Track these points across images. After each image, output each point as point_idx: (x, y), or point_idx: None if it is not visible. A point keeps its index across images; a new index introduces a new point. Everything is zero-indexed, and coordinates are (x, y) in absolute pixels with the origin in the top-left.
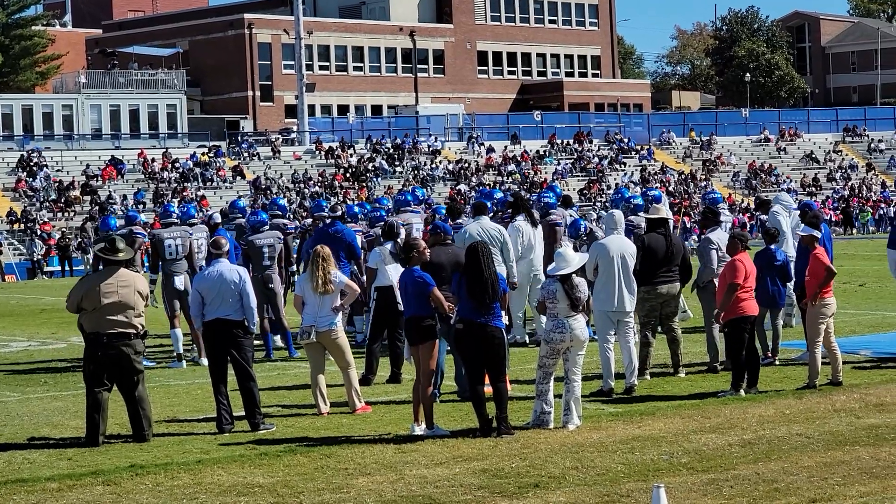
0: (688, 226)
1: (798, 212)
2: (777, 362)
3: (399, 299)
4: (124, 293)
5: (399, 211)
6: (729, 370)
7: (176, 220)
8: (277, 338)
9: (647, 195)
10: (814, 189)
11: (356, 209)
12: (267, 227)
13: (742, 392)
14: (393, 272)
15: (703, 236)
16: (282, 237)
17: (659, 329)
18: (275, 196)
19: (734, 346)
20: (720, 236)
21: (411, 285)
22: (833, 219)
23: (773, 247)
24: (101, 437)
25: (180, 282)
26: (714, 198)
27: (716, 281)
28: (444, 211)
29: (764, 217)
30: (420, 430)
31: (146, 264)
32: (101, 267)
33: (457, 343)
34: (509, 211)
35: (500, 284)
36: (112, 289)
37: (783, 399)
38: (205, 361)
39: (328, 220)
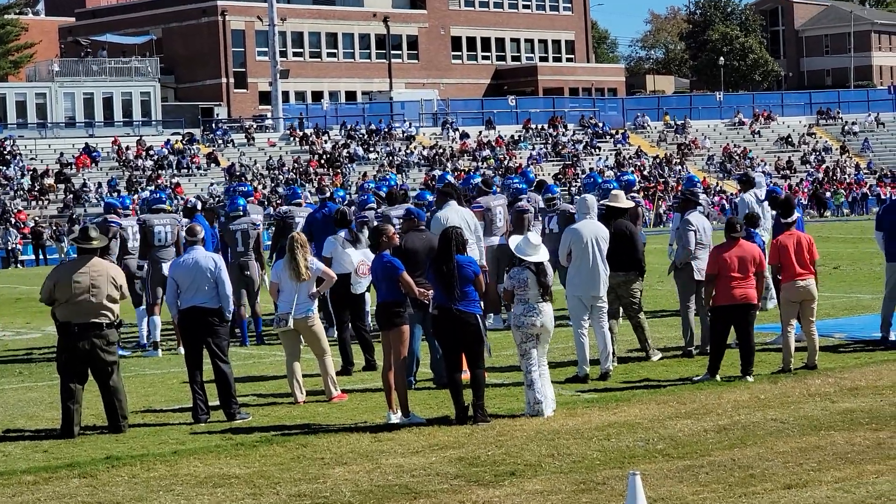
0: (661, 210)
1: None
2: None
3: (353, 283)
4: (97, 282)
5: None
6: (704, 355)
7: (165, 207)
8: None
9: (621, 180)
10: (788, 172)
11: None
12: (241, 212)
13: (718, 377)
14: (349, 259)
15: (682, 218)
16: (258, 223)
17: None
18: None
19: (713, 333)
20: (698, 219)
21: (381, 270)
22: (803, 200)
23: (753, 230)
24: (77, 429)
25: (168, 269)
26: (690, 179)
27: (693, 263)
28: (426, 196)
29: (745, 197)
30: (396, 418)
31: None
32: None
33: (433, 330)
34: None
35: (468, 269)
36: (85, 278)
37: (758, 384)
38: (182, 350)
39: (318, 202)
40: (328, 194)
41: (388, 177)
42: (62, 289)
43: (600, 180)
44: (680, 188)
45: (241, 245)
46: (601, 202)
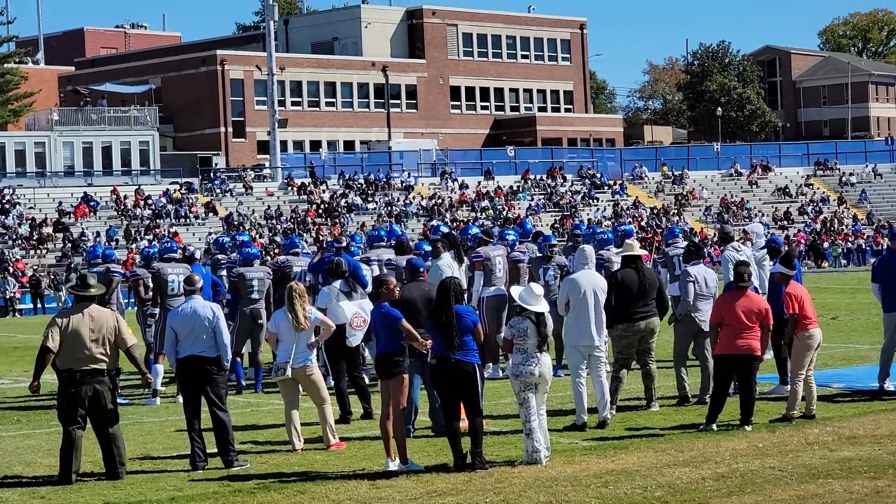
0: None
1: (765, 249)
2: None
3: (348, 336)
4: (97, 329)
5: (372, 247)
6: (702, 404)
7: (177, 256)
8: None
9: (618, 230)
10: (785, 223)
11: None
12: (257, 261)
13: (714, 427)
14: (344, 310)
15: (682, 269)
16: (271, 273)
17: (634, 364)
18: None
19: (715, 381)
20: (699, 270)
21: (380, 320)
22: (802, 249)
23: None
24: (75, 475)
25: None
26: (672, 231)
27: (694, 315)
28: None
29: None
30: (394, 465)
31: (129, 300)
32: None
33: (432, 379)
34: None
35: (467, 318)
36: (84, 325)
37: (756, 432)
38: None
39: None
40: (344, 244)
41: (392, 226)
42: (63, 335)
43: (598, 230)
44: (659, 239)
45: (256, 293)
46: (617, 252)
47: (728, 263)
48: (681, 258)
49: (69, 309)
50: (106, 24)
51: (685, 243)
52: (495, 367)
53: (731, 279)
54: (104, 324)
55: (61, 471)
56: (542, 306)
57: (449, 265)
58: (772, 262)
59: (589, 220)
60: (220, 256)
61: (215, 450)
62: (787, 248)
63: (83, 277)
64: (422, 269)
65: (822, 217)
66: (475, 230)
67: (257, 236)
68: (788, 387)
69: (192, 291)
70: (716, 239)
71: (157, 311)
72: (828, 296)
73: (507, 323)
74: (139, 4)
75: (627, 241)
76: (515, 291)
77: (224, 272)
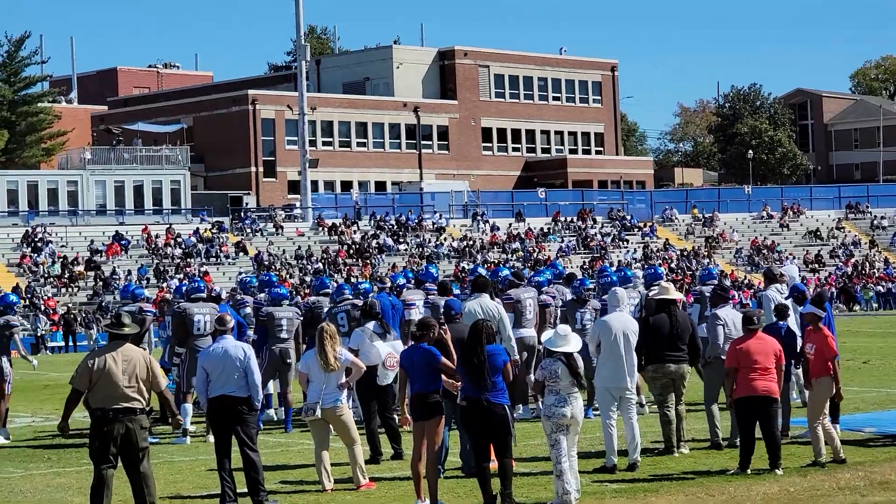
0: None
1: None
2: (786, 439)
3: (379, 376)
4: (129, 369)
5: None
6: (733, 447)
7: (203, 296)
8: (271, 411)
9: (645, 273)
10: (816, 266)
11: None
12: (287, 301)
13: (749, 472)
14: (376, 351)
15: (711, 312)
16: (300, 313)
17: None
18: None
19: (739, 426)
20: (728, 313)
21: (418, 359)
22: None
23: (780, 322)
24: None
25: None
26: (708, 270)
27: (724, 357)
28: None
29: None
30: None
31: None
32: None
33: (461, 420)
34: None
35: (498, 359)
36: (117, 364)
37: (788, 477)
38: (212, 438)
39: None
40: (388, 285)
41: (427, 267)
42: (95, 374)
43: (615, 274)
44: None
45: (285, 332)
46: (653, 295)
47: (770, 303)
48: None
49: (102, 348)
50: (139, 64)
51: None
52: (525, 409)
53: (773, 319)
54: (137, 363)
55: None
56: (572, 346)
57: (480, 307)
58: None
59: (619, 261)
60: (244, 297)
61: (245, 490)
62: (819, 289)
63: (118, 316)
64: (456, 312)
65: (853, 260)
66: (505, 272)
67: (287, 276)
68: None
69: (223, 331)
70: (746, 281)
71: (182, 350)
72: (859, 339)
73: (536, 365)
74: (172, 44)
75: (663, 283)
76: (545, 336)
77: (249, 311)
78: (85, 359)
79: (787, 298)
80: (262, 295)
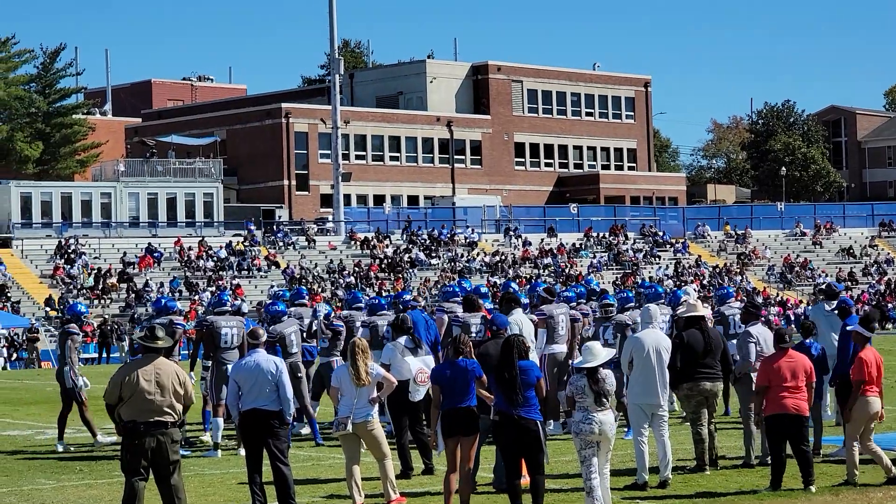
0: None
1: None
2: (818, 458)
3: (411, 391)
4: (163, 381)
5: (448, 301)
6: (764, 465)
7: (229, 309)
8: (305, 430)
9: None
10: (849, 283)
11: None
12: (287, 316)
13: (780, 490)
14: (408, 366)
15: (743, 330)
16: (303, 326)
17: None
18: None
19: (770, 444)
20: (759, 330)
21: (460, 374)
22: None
23: (808, 340)
24: None
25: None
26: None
27: (753, 375)
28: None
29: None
30: None
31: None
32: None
33: (494, 435)
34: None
35: (531, 374)
36: (150, 377)
37: (820, 495)
38: (242, 451)
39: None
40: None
41: (462, 282)
42: (128, 387)
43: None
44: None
45: (295, 347)
46: (678, 313)
47: (816, 316)
48: (737, 318)
49: (135, 361)
50: (173, 77)
51: (738, 303)
52: (556, 424)
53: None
54: (170, 377)
55: None
56: (598, 359)
57: (517, 322)
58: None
59: (650, 277)
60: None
61: (276, 503)
62: (868, 310)
63: (152, 329)
64: (502, 328)
65: (886, 278)
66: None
67: (319, 290)
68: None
69: (255, 345)
70: (778, 298)
71: (209, 363)
72: (893, 358)
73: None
74: (206, 57)
75: (690, 301)
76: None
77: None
78: (116, 372)
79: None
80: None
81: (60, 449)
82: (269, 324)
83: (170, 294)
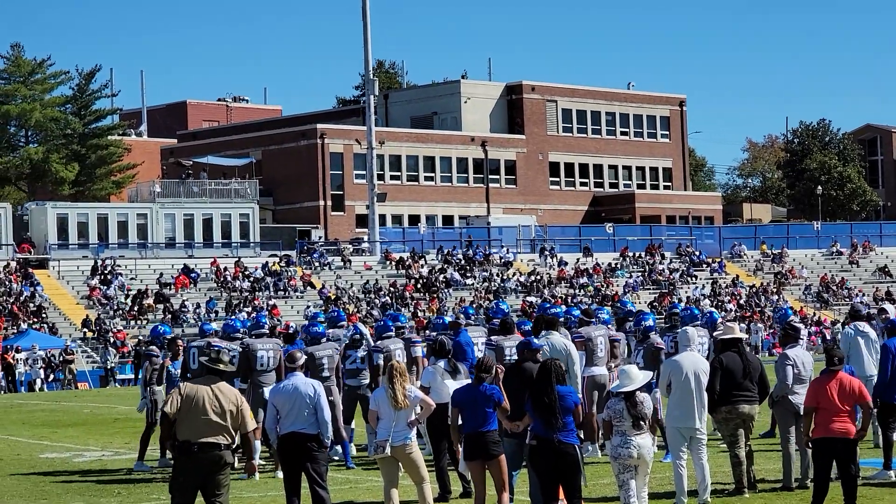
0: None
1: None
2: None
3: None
4: (221, 404)
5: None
6: (803, 488)
7: (267, 332)
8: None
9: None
10: (886, 303)
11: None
12: (325, 339)
13: None
14: (447, 390)
15: (780, 353)
16: (339, 349)
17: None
18: (335, 307)
19: (816, 467)
20: (797, 353)
21: (478, 398)
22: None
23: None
24: None
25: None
26: (784, 313)
27: (791, 398)
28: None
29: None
30: None
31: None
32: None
33: (530, 459)
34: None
35: (569, 399)
36: (207, 398)
37: None
38: (280, 474)
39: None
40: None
41: (498, 304)
42: (186, 405)
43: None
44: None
45: (327, 370)
46: (717, 335)
47: (847, 340)
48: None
49: (197, 380)
50: (208, 98)
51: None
52: (594, 447)
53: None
54: (228, 400)
55: None
56: (635, 383)
57: (549, 345)
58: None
59: (688, 297)
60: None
61: None
62: None
63: (217, 352)
64: (536, 348)
65: None
66: (576, 312)
67: (355, 310)
68: (891, 473)
69: (293, 368)
70: (815, 317)
71: (245, 385)
72: None
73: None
74: (241, 78)
75: (727, 323)
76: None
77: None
78: (178, 387)
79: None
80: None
81: (142, 468)
82: (307, 345)
83: (206, 315)
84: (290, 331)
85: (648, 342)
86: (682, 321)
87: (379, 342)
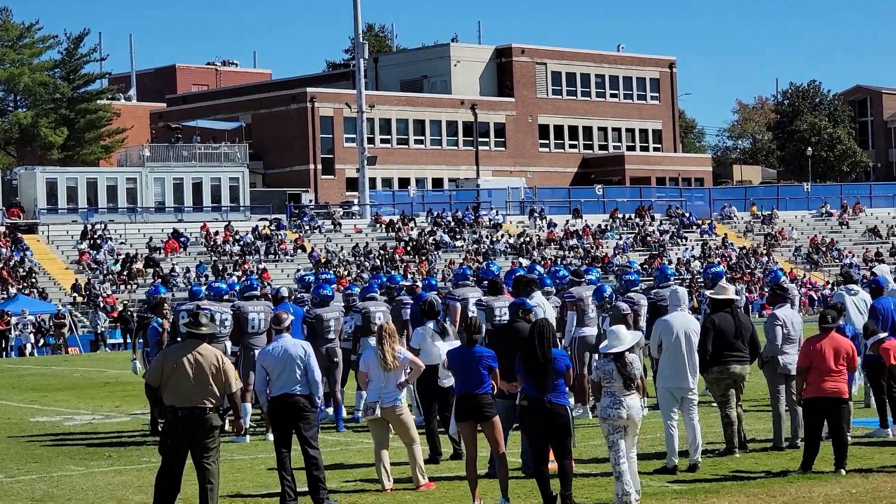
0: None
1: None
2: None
3: (440, 376)
4: (203, 368)
5: (458, 286)
6: (794, 448)
7: (257, 294)
8: (329, 409)
9: (708, 272)
10: (876, 264)
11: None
12: (332, 300)
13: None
14: (437, 351)
15: (769, 313)
16: (344, 311)
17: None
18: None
19: (806, 427)
20: (786, 313)
21: (474, 361)
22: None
23: (840, 322)
24: None
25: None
26: (775, 275)
27: (780, 358)
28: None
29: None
30: None
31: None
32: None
33: (521, 420)
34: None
35: (560, 362)
36: (191, 363)
37: (850, 478)
38: (271, 437)
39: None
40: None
41: (489, 265)
42: (168, 371)
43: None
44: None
45: (333, 332)
46: (710, 294)
47: (839, 300)
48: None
49: (178, 345)
50: (197, 62)
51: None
52: (585, 409)
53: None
54: (209, 363)
55: (156, 501)
56: (625, 344)
57: (540, 305)
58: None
59: (678, 259)
60: (303, 295)
61: (306, 488)
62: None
63: (196, 315)
64: (530, 309)
65: None
66: (563, 272)
67: (346, 273)
68: (889, 431)
69: (280, 330)
70: (805, 279)
71: (237, 348)
72: None
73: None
74: (230, 42)
75: (720, 284)
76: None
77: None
78: (159, 354)
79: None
80: (306, 295)
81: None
82: (314, 306)
83: (196, 279)
84: (281, 295)
85: (614, 307)
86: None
87: (360, 303)
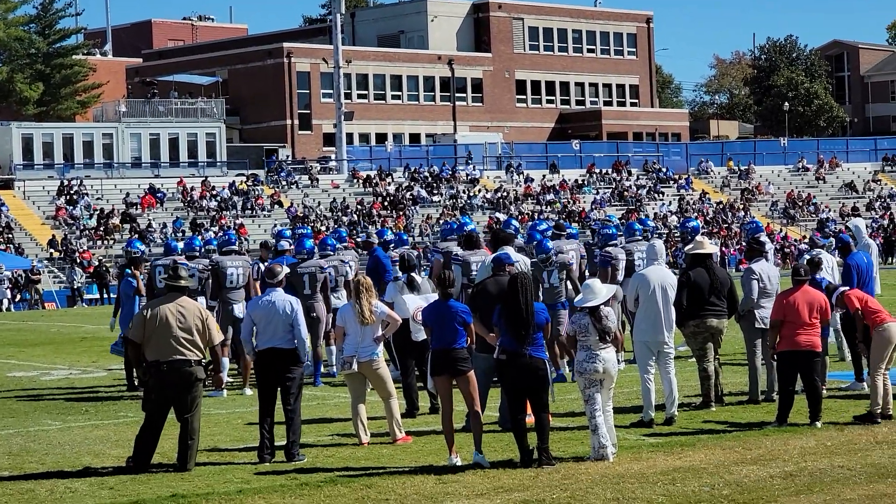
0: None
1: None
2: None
3: (413, 331)
4: (185, 321)
5: (445, 240)
6: (769, 401)
7: (236, 249)
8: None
9: (686, 226)
10: (852, 218)
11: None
12: (307, 255)
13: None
14: (409, 304)
15: (746, 267)
16: (324, 266)
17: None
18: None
19: (780, 380)
20: (763, 267)
21: (449, 316)
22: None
23: (817, 276)
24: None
25: (239, 310)
26: (756, 227)
27: (757, 312)
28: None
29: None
30: (459, 460)
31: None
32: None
33: (499, 374)
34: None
35: (541, 316)
36: (172, 316)
37: (825, 431)
38: (248, 391)
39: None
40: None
41: (464, 220)
42: (151, 325)
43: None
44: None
45: (308, 287)
46: (687, 250)
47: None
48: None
49: (158, 299)
50: (173, 17)
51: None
52: (563, 363)
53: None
54: (192, 315)
55: (136, 456)
56: (599, 298)
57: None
58: (840, 259)
59: (655, 213)
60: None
61: (283, 443)
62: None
63: (175, 269)
64: (508, 264)
65: (889, 213)
66: (544, 226)
67: (323, 228)
68: (864, 384)
69: (272, 284)
70: (782, 234)
71: (215, 303)
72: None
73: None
74: None
75: (697, 238)
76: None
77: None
78: (140, 309)
79: (833, 250)
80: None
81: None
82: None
83: (173, 235)
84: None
85: (559, 257)
86: (651, 235)
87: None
